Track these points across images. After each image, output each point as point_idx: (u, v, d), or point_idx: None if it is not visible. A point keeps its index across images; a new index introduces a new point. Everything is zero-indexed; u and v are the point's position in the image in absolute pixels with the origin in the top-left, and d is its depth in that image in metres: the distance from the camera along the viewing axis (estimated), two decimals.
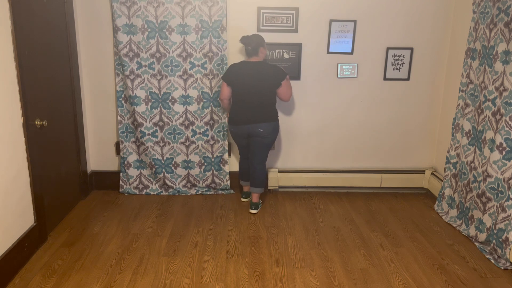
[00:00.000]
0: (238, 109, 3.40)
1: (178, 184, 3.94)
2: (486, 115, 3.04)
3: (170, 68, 3.65)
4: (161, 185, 3.93)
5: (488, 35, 3.03)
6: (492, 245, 2.92)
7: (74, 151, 3.61)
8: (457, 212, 3.41)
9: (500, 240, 2.82)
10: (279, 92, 3.39)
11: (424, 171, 4.01)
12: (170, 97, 3.72)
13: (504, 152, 2.85)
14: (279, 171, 3.96)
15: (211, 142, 3.85)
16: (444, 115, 3.88)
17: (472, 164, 3.22)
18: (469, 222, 3.20)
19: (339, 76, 3.83)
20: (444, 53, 3.81)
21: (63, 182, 3.40)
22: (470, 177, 3.23)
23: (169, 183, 3.91)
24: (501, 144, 2.86)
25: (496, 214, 2.90)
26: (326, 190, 4.07)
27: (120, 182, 3.91)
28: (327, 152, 4.03)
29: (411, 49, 3.77)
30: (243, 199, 3.79)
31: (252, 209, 3.54)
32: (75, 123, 3.59)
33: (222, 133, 3.83)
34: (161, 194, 3.93)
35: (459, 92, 3.40)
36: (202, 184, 3.96)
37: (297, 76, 3.80)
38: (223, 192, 3.98)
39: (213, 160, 3.90)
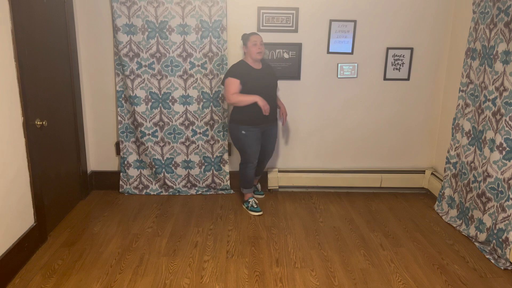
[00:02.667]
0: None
1: (178, 184, 3.94)
2: (486, 115, 3.04)
3: (170, 68, 3.65)
4: (161, 185, 3.93)
5: (488, 35, 3.03)
6: (492, 245, 2.92)
7: (74, 151, 3.61)
8: (457, 212, 3.41)
9: (500, 240, 2.82)
10: None
11: (424, 171, 4.01)
12: (170, 97, 3.72)
13: (504, 152, 2.85)
14: (279, 171, 3.96)
15: (211, 142, 3.85)
16: (444, 115, 3.88)
17: (472, 164, 3.22)
18: (469, 222, 3.20)
19: (339, 76, 3.83)
20: (444, 53, 3.81)
21: (63, 182, 3.40)
22: (470, 177, 3.23)
23: (169, 183, 3.91)
24: (501, 144, 2.86)
25: (496, 214, 2.90)
26: (326, 190, 4.07)
27: (120, 182, 3.91)
28: (327, 152, 4.03)
29: (411, 49, 3.77)
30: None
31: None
32: (75, 123, 3.59)
33: (222, 133, 3.83)
34: (161, 194, 3.93)
35: (459, 92, 3.40)
36: (202, 184, 3.96)
37: (297, 76, 3.80)
38: (223, 192, 3.98)
39: (213, 160, 3.90)
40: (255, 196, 3.86)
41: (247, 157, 3.45)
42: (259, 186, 3.97)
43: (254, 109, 3.25)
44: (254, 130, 3.35)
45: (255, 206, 3.55)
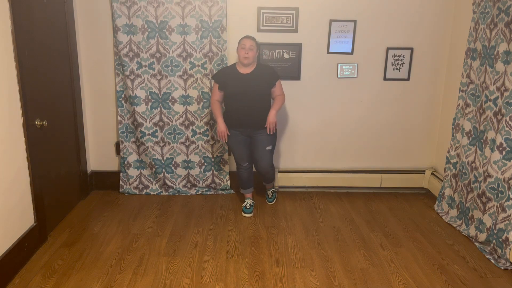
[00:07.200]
0: None
1: (178, 184, 3.94)
2: (488, 115, 3.04)
3: (170, 68, 3.65)
4: (161, 185, 3.93)
5: (488, 35, 3.03)
6: (492, 245, 2.92)
7: (74, 151, 3.61)
8: (457, 212, 3.41)
9: (500, 240, 2.82)
10: None
11: (424, 171, 4.01)
12: (170, 97, 3.72)
13: (504, 152, 2.85)
14: (279, 171, 3.96)
15: (211, 142, 3.85)
16: (444, 115, 3.88)
17: (473, 164, 3.22)
18: (469, 222, 3.20)
19: (339, 76, 3.83)
20: (444, 53, 3.80)
21: (63, 182, 3.40)
22: (471, 177, 3.23)
23: (169, 183, 3.91)
24: (501, 144, 2.86)
25: (496, 214, 2.90)
26: (326, 190, 4.06)
27: (120, 182, 3.91)
28: (327, 152, 4.03)
29: (411, 49, 3.77)
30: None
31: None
32: (75, 123, 3.59)
33: None
34: (161, 194, 3.93)
35: (459, 92, 3.40)
36: (202, 184, 3.96)
37: (297, 76, 3.80)
38: (223, 192, 3.98)
39: (213, 160, 3.90)
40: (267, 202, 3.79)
41: (235, 158, 3.52)
42: (268, 192, 3.79)
43: (229, 113, 3.33)
44: (234, 132, 3.37)
45: (248, 207, 3.52)
